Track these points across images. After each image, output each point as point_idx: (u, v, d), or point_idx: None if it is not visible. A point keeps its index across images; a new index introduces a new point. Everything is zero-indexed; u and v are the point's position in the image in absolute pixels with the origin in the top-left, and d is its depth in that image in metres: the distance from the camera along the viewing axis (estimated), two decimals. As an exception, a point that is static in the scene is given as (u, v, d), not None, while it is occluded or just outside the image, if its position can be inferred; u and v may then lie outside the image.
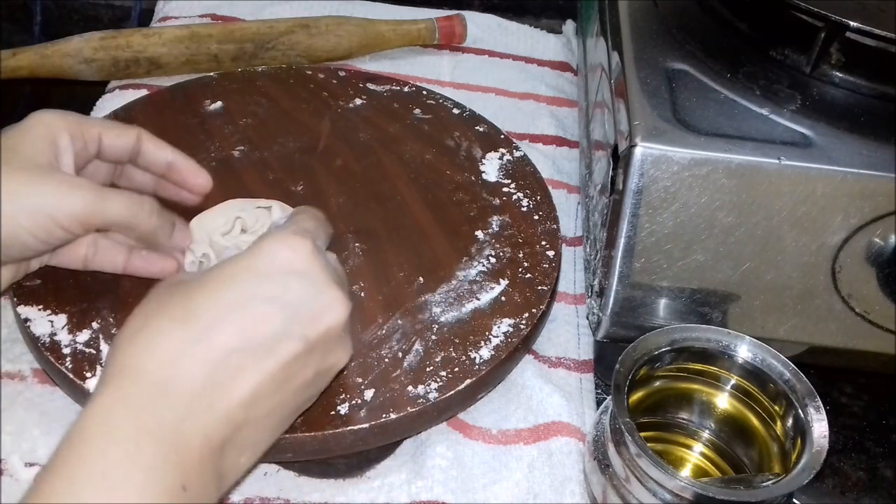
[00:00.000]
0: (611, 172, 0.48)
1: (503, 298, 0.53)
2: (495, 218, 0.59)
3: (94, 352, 0.48)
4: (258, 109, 0.66)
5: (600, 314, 0.51)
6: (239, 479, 0.39)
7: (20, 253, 0.46)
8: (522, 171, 0.63)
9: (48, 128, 0.48)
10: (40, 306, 0.50)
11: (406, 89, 0.70)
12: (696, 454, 0.50)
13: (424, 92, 0.70)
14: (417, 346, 0.50)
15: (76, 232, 0.46)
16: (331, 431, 0.45)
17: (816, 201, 0.46)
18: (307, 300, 0.39)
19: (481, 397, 0.51)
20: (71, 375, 0.47)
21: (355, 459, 0.49)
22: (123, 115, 0.64)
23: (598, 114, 0.58)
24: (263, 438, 0.39)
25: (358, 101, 0.68)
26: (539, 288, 0.54)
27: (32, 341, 0.49)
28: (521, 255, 0.56)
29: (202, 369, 0.36)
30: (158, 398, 0.35)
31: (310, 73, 0.71)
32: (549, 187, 0.62)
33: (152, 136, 0.53)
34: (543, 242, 0.57)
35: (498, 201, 0.60)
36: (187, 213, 0.54)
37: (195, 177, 0.55)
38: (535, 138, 0.72)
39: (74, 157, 0.48)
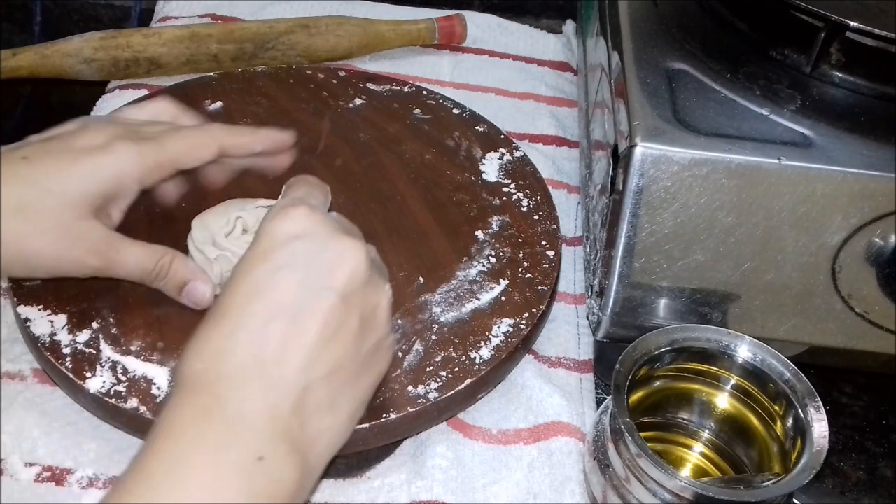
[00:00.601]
0: (611, 172, 0.48)
1: (503, 298, 0.53)
2: (495, 218, 0.59)
3: (94, 352, 0.48)
4: (258, 109, 0.66)
5: (600, 314, 0.51)
6: (334, 442, 0.39)
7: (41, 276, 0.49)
8: (522, 171, 0.63)
9: (117, 179, 0.47)
10: (40, 306, 0.50)
11: (406, 89, 0.70)
12: (696, 454, 0.50)
13: (424, 92, 0.70)
14: (417, 346, 0.50)
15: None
16: (331, 431, 0.45)
17: (816, 201, 0.46)
18: (317, 256, 0.39)
19: (481, 397, 0.51)
20: (71, 375, 0.47)
21: (355, 459, 0.49)
22: (123, 115, 0.64)
23: (598, 114, 0.58)
24: (340, 396, 0.39)
25: (358, 101, 0.68)
26: (539, 288, 0.54)
27: (32, 341, 0.49)
28: (521, 255, 0.56)
29: (247, 352, 0.37)
30: (216, 389, 0.36)
31: (310, 73, 0.71)
32: (549, 187, 0.62)
33: (235, 145, 0.52)
34: (543, 242, 0.57)
35: (498, 201, 0.60)
36: (188, 212, 0.54)
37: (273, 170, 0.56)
38: (535, 138, 0.72)
39: (141, 185, 0.49)
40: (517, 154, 0.64)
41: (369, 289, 0.41)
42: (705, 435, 0.50)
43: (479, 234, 0.57)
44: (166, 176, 0.50)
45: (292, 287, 0.38)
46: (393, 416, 0.46)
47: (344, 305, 0.39)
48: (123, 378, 0.47)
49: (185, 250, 0.51)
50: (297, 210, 0.41)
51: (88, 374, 0.47)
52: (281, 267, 0.39)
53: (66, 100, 0.86)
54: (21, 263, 0.47)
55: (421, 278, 0.54)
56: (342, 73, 0.71)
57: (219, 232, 0.51)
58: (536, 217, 0.59)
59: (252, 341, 0.37)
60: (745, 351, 0.46)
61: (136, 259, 0.48)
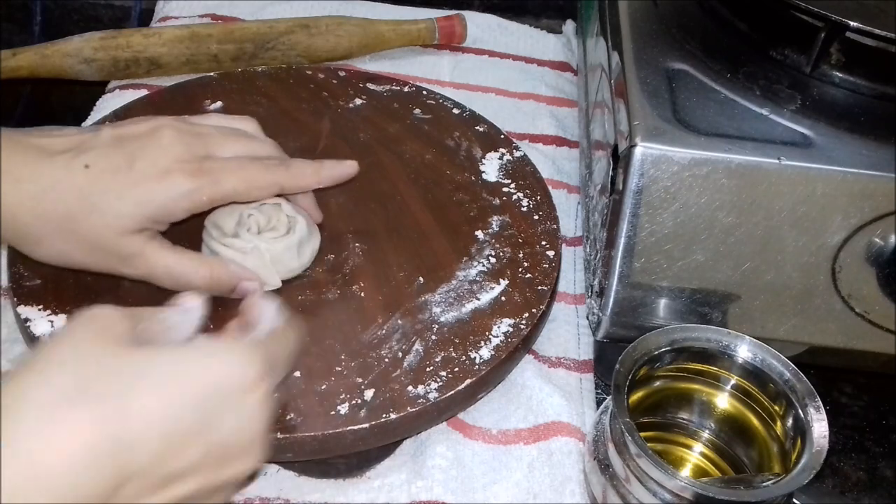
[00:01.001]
0: (611, 172, 0.48)
1: (503, 298, 0.53)
2: (495, 218, 0.59)
3: (94, 352, 0.48)
4: (258, 109, 0.66)
5: (600, 314, 0.51)
6: None
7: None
8: (522, 171, 0.63)
9: (166, 208, 0.47)
10: (40, 306, 0.50)
11: (406, 89, 0.70)
12: (696, 454, 0.50)
13: (424, 92, 0.70)
14: (417, 346, 0.50)
15: None
16: (331, 431, 0.45)
17: (816, 201, 0.46)
18: (230, 445, 0.35)
19: (481, 397, 0.51)
20: (71, 375, 0.47)
21: (355, 459, 0.49)
22: (123, 115, 0.64)
23: (598, 114, 0.58)
24: None
25: (358, 101, 0.68)
26: (539, 288, 0.54)
27: (32, 341, 0.49)
28: (521, 255, 0.56)
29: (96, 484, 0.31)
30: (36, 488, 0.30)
31: (310, 73, 0.71)
32: (549, 187, 0.62)
33: (296, 187, 0.52)
34: (543, 242, 0.57)
35: (498, 201, 0.60)
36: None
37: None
38: (535, 138, 0.72)
39: (191, 213, 0.48)
40: (517, 154, 0.64)
41: (228, 490, 0.37)
42: (705, 435, 0.50)
43: (479, 234, 0.57)
44: (218, 205, 0.50)
45: (187, 458, 0.33)
46: (393, 416, 0.46)
47: (195, 495, 0.34)
48: (123, 378, 0.47)
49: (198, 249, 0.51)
50: (262, 388, 0.35)
51: (88, 374, 0.47)
52: (199, 431, 0.33)
53: (66, 100, 0.86)
54: (58, 259, 0.48)
55: (421, 278, 0.54)
56: (342, 73, 0.71)
57: (240, 229, 0.51)
58: (536, 217, 0.59)
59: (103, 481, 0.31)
60: (745, 351, 0.46)
61: (168, 272, 0.48)
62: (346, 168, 0.54)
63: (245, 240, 0.51)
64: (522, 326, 0.51)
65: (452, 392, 0.48)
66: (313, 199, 0.55)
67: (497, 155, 0.64)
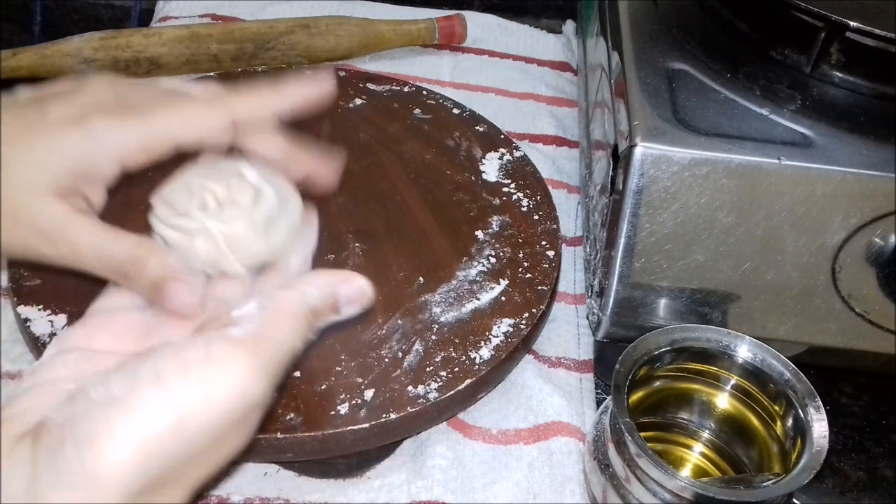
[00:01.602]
0: (611, 172, 0.48)
1: (503, 298, 0.53)
2: (495, 218, 0.59)
3: (94, 352, 0.48)
4: (258, 109, 0.66)
5: (600, 314, 0.51)
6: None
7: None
8: (522, 171, 0.63)
9: (86, 159, 0.38)
10: (40, 306, 0.50)
11: (406, 89, 0.70)
12: (696, 454, 0.50)
13: (424, 92, 0.70)
14: (417, 346, 0.50)
15: None
16: (331, 431, 0.45)
17: (816, 201, 0.46)
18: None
19: (481, 397, 0.51)
20: (71, 375, 0.47)
21: (355, 459, 0.49)
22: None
23: (598, 114, 0.58)
24: None
25: (358, 101, 0.68)
26: (539, 288, 0.54)
27: (32, 341, 0.49)
28: (521, 255, 0.56)
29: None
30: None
31: (310, 73, 0.71)
32: (549, 187, 0.62)
33: (253, 108, 0.41)
34: (543, 242, 0.57)
35: (498, 201, 0.60)
36: (137, 193, 0.41)
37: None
38: (535, 138, 0.72)
39: (122, 165, 0.39)
40: (517, 154, 0.64)
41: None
42: (705, 435, 0.50)
43: (479, 234, 0.57)
44: (160, 156, 0.39)
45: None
46: (393, 416, 0.46)
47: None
48: (123, 378, 0.47)
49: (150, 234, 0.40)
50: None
51: (88, 374, 0.47)
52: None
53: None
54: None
55: (421, 278, 0.54)
56: (342, 73, 0.71)
57: (193, 204, 0.39)
58: (536, 217, 0.59)
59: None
60: (745, 351, 0.46)
61: (94, 251, 0.38)
62: (315, 81, 0.44)
63: (193, 219, 0.38)
64: (522, 326, 0.52)
65: (452, 392, 0.48)
66: (310, 154, 0.43)
67: (497, 155, 0.64)
